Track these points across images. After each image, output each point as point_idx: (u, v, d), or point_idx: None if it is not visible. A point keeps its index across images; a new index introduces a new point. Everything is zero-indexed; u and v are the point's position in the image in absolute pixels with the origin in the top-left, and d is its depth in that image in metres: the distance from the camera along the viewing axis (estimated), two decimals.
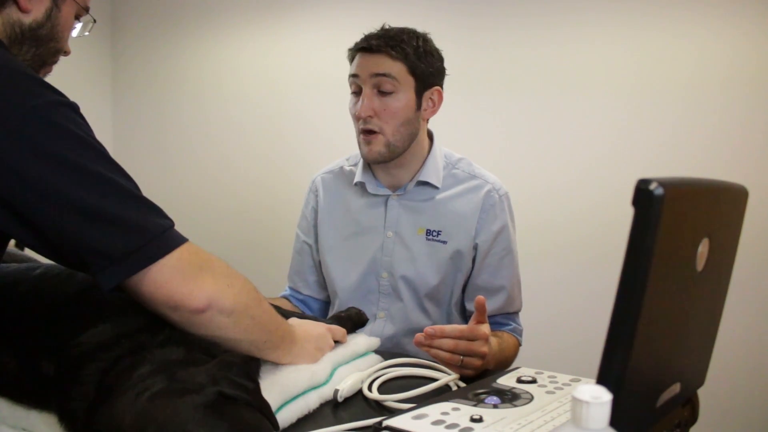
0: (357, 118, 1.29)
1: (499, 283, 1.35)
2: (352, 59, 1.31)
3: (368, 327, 1.32)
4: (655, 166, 2.33)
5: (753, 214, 0.84)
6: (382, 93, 1.26)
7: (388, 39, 1.26)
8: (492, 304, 1.32)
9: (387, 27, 1.31)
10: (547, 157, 2.54)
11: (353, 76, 1.29)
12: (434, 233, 1.34)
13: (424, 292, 1.34)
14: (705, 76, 2.28)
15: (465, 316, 1.39)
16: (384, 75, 1.25)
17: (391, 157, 1.30)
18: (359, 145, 1.32)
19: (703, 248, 0.62)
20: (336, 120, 2.96)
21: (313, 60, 3.02)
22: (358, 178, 1.38)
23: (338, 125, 2.96)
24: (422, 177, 1.34)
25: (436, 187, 1.35)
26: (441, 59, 1.34)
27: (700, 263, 0.63)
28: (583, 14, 2.45)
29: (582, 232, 2.48)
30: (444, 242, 1.33)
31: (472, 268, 1.35)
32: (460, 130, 2.53)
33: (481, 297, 1.04)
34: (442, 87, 1.35)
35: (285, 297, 1.50)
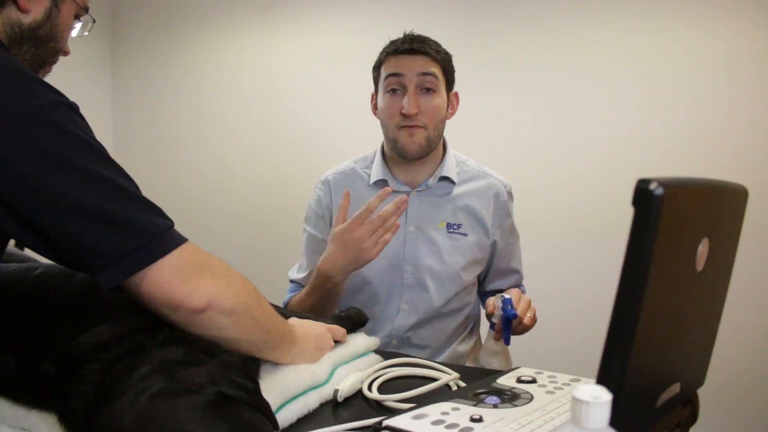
0: (400, 116, 1.34)
1: (514, 266, 1.54)
2: (382, 62, 1.39)
3: (390, 321, 1.42)
4: (655, 166, 2.33)
5: (753, 214, 0.83)
6: (425, 91, 1.35)
7: (424, 42, 1.37)
8: (508, 282, 1.53)
9: (411, 33, 1.40)
10: (547, 157, 2.54)
11: (395, 75, 1.35)
12: (455, 226, 1.43)
13: (450, 280, 1.41)
14: (705, 77, 2.29)
15: (482, 297, 1.55)
16: (429, 74, 1.34)
17: (428, 152, 1.39)
18: (396, 140, 1.37)
19: (703, 248, 0.62)
20: (336, 120, 2.97)
21: (313, 61, 3.02)
22: (376, 176, 1.44)
23: (338, 126, 2.96)
24: (444, 173, 1.43)
25: (453, 183, 1.44)
26: None
27: (700, 263, 0.63)
28: (584, 16, 2.45)
29: (582, 232, 2.48)
30: (465, 234, 1.43)
31: (490, 257, 1.48)
32: (461, 130, 2.53)
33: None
34: None
35: (275, 305, 1.47)
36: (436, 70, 1.36)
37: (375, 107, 1.45)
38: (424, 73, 1.34)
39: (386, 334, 1.42)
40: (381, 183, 1.44)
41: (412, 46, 1.35)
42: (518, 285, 1.57)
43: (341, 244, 1.22)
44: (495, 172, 1.50)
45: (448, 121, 1.43)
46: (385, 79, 1.38)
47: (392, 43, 1.40)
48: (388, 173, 1.44)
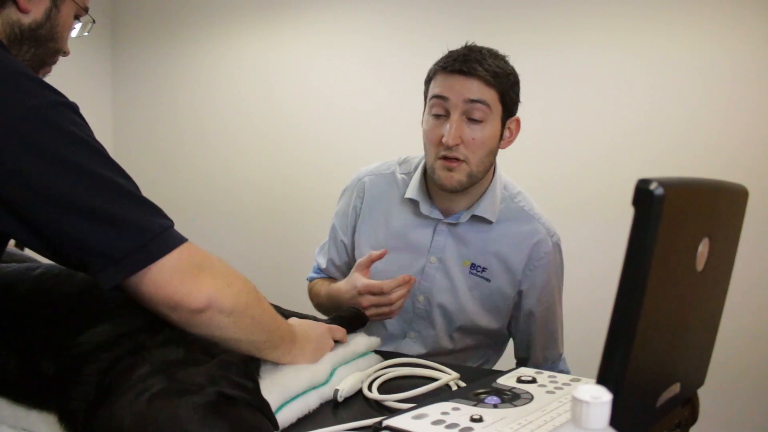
0: (440, 144, 1.19)
1: (548, 337, 1.34)
2: (432, 78, 1.23)
3: (396, 343, 1.34)
4: (655, 166, 2.33)
5: (753, 214, 0.83)
6: (472, 120, 1.18)
7: (482, 62, 1.18)
8: (538, 357, 1.34)
9: (472, 45, 1.23)
10: (547, 156, 2.54)
11: (440, 97, 1.19)
12: (479, 269, 1.29)
13: (460, 324, 1.31)
14: (706, 77, 2.29)
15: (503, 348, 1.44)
16: (478, 101, 1.17)
17: (469, 187, 1.23)
18: (434, 170, 1.22)
19: (703, 248, 0.62)
20: (336, 120, 2.96)
21: (312, 61, 3.02)
22: (411, 194, 1.30)
23: (338, 125, 2.96)
24: (478, 212, 1.27)
25: (489, 222, 1.28)
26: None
27: (700, 263, 0.63)
28: (587, 18, 2.45)
29: (582, 232, 2.48)
30: (488, 280, 1.29)
31: (515, 311, 1.33)
32: None
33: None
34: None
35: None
36: (489, 97, 1.17)
37: (423, 124, 1.27)
38: (473, 101, 1.16)
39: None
40: (414, 203, 1.31)
41: (463, 66, 1.16)
42: (547, 359, 1.35)
43: (350, 293, 1.19)
44: (545, 217, 1.32)
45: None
46: (429, 100, 1.22)
47: (447, 56, 1.22)
48: (425, 195, 1.30)
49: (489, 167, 1.26)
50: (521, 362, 1.38)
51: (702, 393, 0.80)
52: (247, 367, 0.71)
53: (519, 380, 0.89)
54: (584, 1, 2.44)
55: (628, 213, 0.51)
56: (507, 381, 0.89)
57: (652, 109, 2.36)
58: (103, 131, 3.47)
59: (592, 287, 2.39)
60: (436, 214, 1.30)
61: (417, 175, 1.32)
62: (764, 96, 2.21)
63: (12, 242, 0.86)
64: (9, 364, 0.76)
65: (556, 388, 0.86)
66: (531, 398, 0.81)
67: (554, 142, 2.52)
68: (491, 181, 1.30)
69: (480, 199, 1.28)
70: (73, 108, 0.73)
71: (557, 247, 1.32)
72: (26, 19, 0.82)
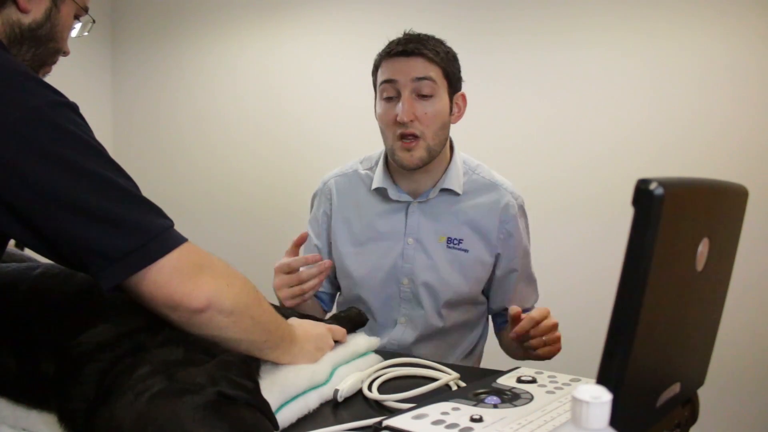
0: (395, 123, 1.26)
1: (522, 291, 1.42)
2: (378, 66, 1.31)
3: (388, 332, 1.37)
4: (655, 166, 2.33)
5: (753, 214, 0.83)
6: (422, 97, 1.25)
7: (422, 42, 1.26)
8: (509, 304, 1.38)
9: (410, 32, 1.30)
10: (547, 156, 2.54)
11: (389, 81, 1.27)
12: (455, 241, 1.35)
13: (446, 298, 1.35)
14: (706, 77, 2.29)
15: (494, 320, 1.48)
16: (425, 78, 1.25)
17: (430, 161, 1.30)
18: (394, 152, 1.29)
19: (703, 248, 0.62)
20: (336, 120, 2.97)
21: (311, 61, 3.02)
22: (377, 183, 1.37)
23: (338, 125, 2.96)
24: (445, 184, 1.34)
25: (457, 194, 1.35)
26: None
27: (700, 263, 0.63)
28: (587, 18, 2.45)
29: (582, 232, 2.48)
30: (465, 251, 1.34)
31: (492, 274, 1.39)
32: (463, 128, 2.53)
33: (515, 308, 1.14)
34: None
35: (275, 305, 1.47)
36: (434, 73, 1.25)
37: (376, 113, 1.36)
38: (420, 78, 1.24)
39: (382, 345, 1.38)
40: (382, 191, 1.37)
41: (406, 47, 1.25)
42: (524, 307, 1.41)
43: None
44: (507, 182, 1.39)
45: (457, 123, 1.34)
46: (379, 86, 1.30)
47: (389, 44, 1.30)
48: (390, 181, 1.36)
49: (444, 141, 1.33)
50: (497, 315, 1.45)
51: (702, 393, 0.80)
52: (247, 367, 0.71)
53: (519, 380, 0.89)
54: (584, 1, 2.44)
55: (628, 213, 0.51)
56: (507, 381, 0.89)
57: (652, 109, 2.36)
58: (103, 131, 3.47)
59: (592, 287, 2.39)
60: (405, 197, 1.36)
61: (380, 166, 1.39)
62: (764, 96, 2.21)
63: (12, 242, 0.86)
64: (9, 364, 0.76)
65: (556, 388, 0.86)
66: (531, 398, 0.81)
67: (554, 142, 2.52)
68: (451, 156, 1.38)
69: (444, 174, 1.35)
70: (73, 108, 0.73)
71: (522, 209, 1.40)
72: (26, 19, 0.82)
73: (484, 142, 2.58)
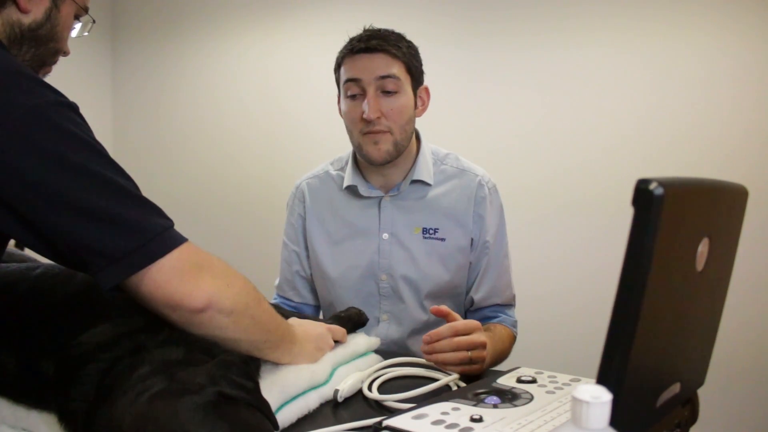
0: (362, 121, 1.26)
1: (494, 280, 1.36)
2: (341, 63, 1.30)
3: (372, 330, 1.34)
4: (655, 165, 2.33)
5: (753, 214, 0.83)
6: (386, 93, 1.26)
7: (384, 39, 1.26)
8: (479, 294, 1.35)
9: (370, 28, 1.31)
10: (547, 156, 2.54)
11: (353, 80, 1.26)
12: (431, 231, 1.34)
13: (427, 290, 1.34)
14: (705, 76, 2.29)
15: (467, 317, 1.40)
16: (389, 76, 1.25)
17: (397, 156, 1.30)
18: (361, 147, 1.29)
19: (703, 248, 0.62)
20: (335, 121, 2.96)
21: (311, 61, 3.02)
22: (348, 182, 1.37)
23: (337, 127, 2.96)
24: (416, 176, 1.34)
25: (428, 185, 1.35)
26: None
27: (700, 263, 0.62)
28: (587, 18, 2.45)
29: (582, 232, 2.48)
30: (442, 240, 1.34)
31: (472, 255, 1.36)
32: (462, 128, 2.53)
33: (437, 307, 1.07)
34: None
35: (275, 305, 1.48)
36: (397, 69, 1.25)
37: (341, 110, 1.35)
38: (383, 76, 1.24)
39: None
40: (353, 188, 1.37)
41: (368, 44, 1.25)
42: (494, 303, 1.36)
43: None
44: (477, 167, 1.39)
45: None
46: (343, 84, 1.29)
47: (350, 41, 1.29)
48: (360, 178, 1.36)
49: (411, 135, 1.33)
50: (472, 302, 1.38)
51: (702, 393, 0.80)
52: (247, 367, 0.71)
53: (519, 380, 0.89)
54: (584, 1, 2.44)
55: (627, 213, 0.51)
56: (507, 381, 0.89)
57: (652, 108, 2.36)
58: (103, 131, 3.47)
59: (592, 287, 2.39)
60: (377, 192, 1.36)
61: (349, 165, 1.39)
62: (764, 96, 2.21)
63: (12, 242, 0.86)
64: (9, 364, 0.76)
65: (556, 388, 0.86)
66: (531, 398, 0.81)
67: (554, 142, 2.52)
68: (419, 148, 1.38)
69: (413, 166, 1.35)
70: (74, 108, 0.73)
71: (494, 190, 1.39)
72: (26, 19, 0.82)
73: (484, 141, 2.58)
